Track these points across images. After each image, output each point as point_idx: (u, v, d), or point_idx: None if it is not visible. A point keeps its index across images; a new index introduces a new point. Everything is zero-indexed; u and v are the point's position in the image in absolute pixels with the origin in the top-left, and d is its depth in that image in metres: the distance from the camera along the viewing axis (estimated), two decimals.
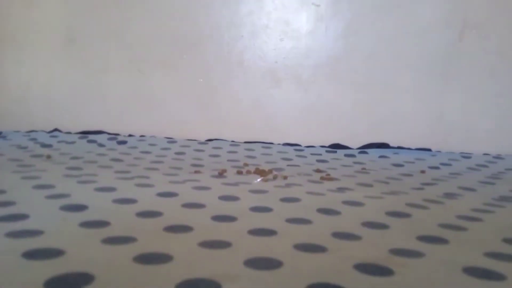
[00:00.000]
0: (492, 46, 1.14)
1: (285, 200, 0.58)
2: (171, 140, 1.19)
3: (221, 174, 0.78)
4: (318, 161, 1.03)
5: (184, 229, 0.44)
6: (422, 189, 0.73)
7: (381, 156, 1.11)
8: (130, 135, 1.22)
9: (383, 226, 0.48)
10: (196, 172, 0.81)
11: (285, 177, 0.77)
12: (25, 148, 1.03)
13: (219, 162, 0.96)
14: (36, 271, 0.32)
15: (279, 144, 1.20)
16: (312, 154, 1.10)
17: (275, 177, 0.77)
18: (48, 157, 0.91)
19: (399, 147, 1.17)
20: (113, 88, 1.27)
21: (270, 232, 0.44)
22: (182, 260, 0.36)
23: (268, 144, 1.18)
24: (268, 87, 1.23)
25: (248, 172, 0.83)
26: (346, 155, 1.11)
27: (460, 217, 0.53)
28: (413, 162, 1.04)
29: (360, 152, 1.14)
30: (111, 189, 0.60)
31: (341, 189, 0.69)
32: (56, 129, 1.25)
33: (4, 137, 1.12)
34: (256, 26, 1.21)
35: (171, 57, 1.24)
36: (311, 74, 1.21)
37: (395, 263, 0.36)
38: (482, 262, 0.38)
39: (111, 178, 0.69)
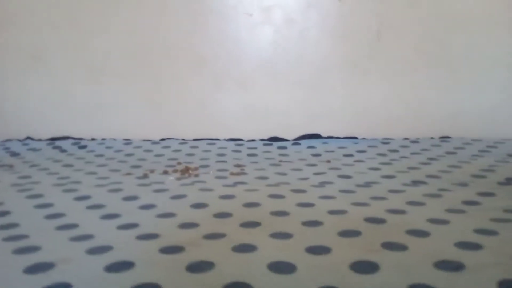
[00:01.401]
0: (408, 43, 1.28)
1: (174, 197, 0.74)
2: (127, 142, 1.34)
3: (146, 175, 0.94)
4: (249, 155, 1.18)
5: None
6: (307, 178, 0.88)
7: (309, 147, 1.25)
8: (93, 139, 1.38)
9: (227, 215, 0.63)
10: (126, 174, 0.96)
11: (196, 175, 0.92)
12: None
13: (158, 162, 1.11)
14: None
15: (224, 139, 1.35)
16: (248, 148, 1.25)
17: (189, 175, 0.93)
18: (11, 166, 1.07)
19: (329, 137, 1.32)
20: (76, 97, 1.42)
21: (133, 226, 0.60)
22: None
23: (213, 140, 1.33)
24: (212, 91, 1.37)
25: (175, 171, 0.98)
26: (279, 147, 1.26)
27: (300, 204, 0.68)
28: (332, 151, 1.18)
29: (293, 144, 1.29)
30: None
31: (235, 184, 0.84)
32: (28, 137, 1.41)
33: None
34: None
35: (126, 68, 1.39)
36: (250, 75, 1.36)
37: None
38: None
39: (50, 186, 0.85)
